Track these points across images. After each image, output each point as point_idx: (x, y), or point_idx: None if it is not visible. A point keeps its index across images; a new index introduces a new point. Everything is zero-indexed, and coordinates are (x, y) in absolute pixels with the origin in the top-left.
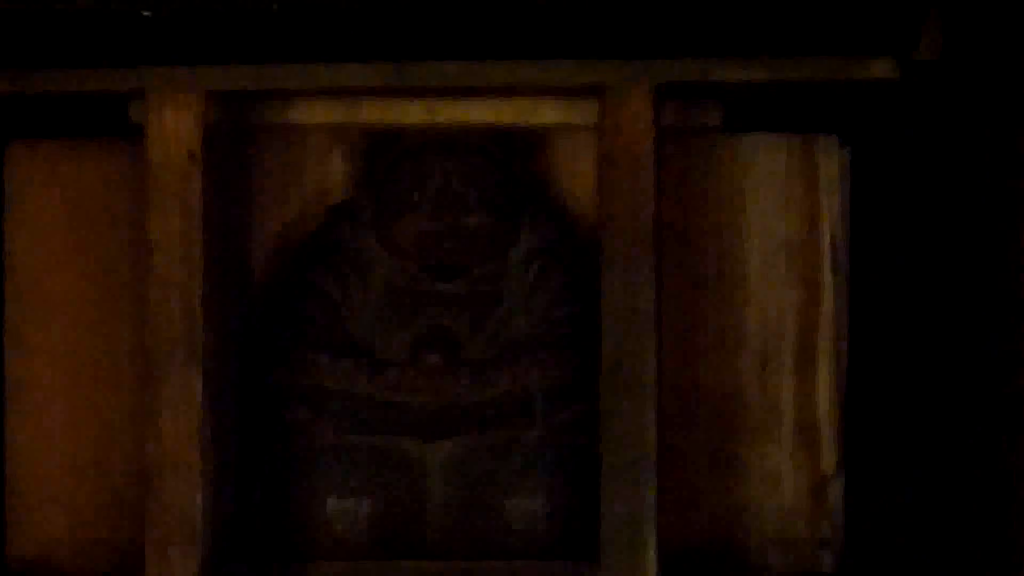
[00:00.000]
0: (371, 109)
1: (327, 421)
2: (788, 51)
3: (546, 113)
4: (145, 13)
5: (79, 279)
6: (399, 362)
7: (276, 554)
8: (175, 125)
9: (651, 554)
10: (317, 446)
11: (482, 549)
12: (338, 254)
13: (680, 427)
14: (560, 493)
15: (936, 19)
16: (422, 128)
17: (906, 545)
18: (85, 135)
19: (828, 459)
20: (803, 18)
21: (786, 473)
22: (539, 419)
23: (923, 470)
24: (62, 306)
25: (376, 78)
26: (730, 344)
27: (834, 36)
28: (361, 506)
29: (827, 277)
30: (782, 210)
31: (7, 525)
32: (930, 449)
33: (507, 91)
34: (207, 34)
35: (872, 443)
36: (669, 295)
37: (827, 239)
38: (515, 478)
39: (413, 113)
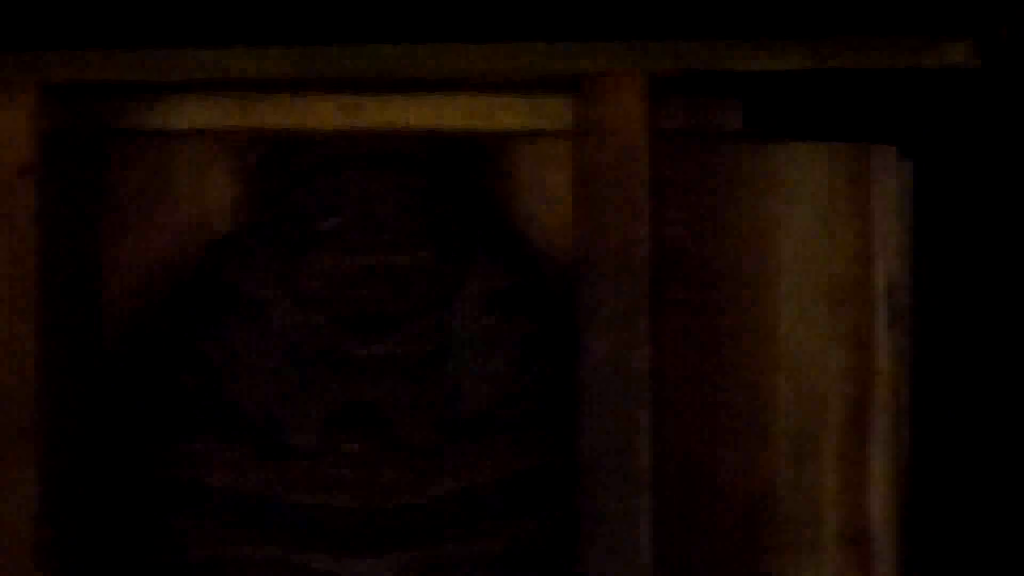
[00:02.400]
0: (267, 109)
1: (210, 529)
2: (830, 31)
3: (505, 114)
4: None
5: None
6: (307, 450)
7: None
8: (1, 130)
9: None
10: (197, 562)
11: None
12: (223, 304)
13: (690, 538)
14: None
15: None
16: (337, 134)
17: None
18: None
19: None
20: None
21: None
22: (497, 527)
23: None
24: None
25: (275, 67)
26: (756, 424)
27: (892, 11)
28: None
29: (882, 331)
30: (824, 242)
31: None
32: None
33: (453, 85)
34: (43, 8)
35: (945, 559)
36: (673, 356)
37: (882, 280)
38: None
39: (325, 114)
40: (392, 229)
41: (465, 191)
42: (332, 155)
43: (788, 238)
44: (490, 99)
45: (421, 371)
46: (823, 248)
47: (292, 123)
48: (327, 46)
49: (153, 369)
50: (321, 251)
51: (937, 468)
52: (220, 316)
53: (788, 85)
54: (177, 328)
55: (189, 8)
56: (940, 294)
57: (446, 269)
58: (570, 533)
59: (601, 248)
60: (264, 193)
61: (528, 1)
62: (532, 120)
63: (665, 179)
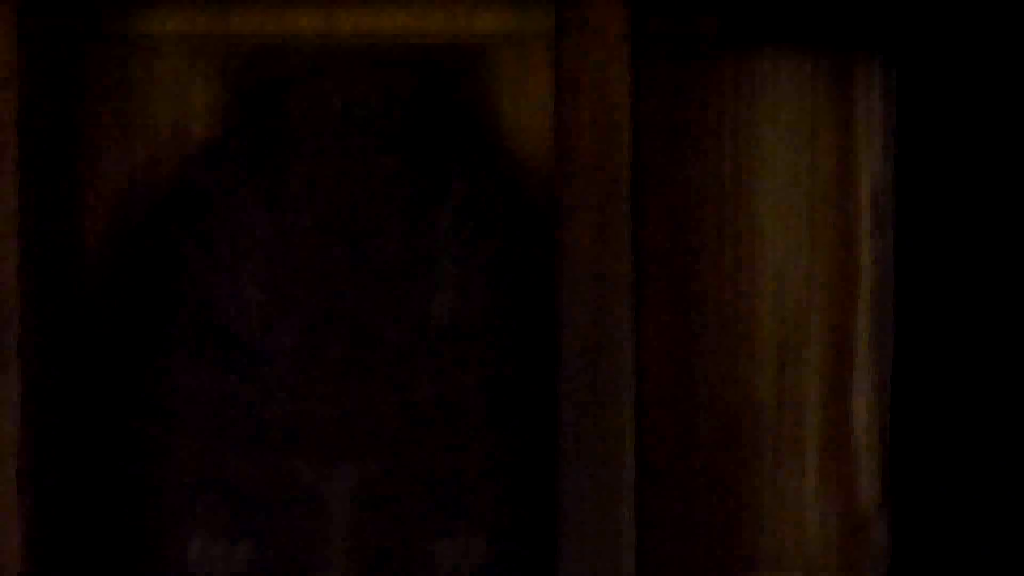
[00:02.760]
0: (246, 15)
1: (188, 436)
2: None
3: (485, 19)
4: None
5: None
6: (287, 356)
7: None
8: None
9: None
10: (176, 470)
11: None
12: (201, 212)
13: (669, 448)
14: (505, 533)
15: None
16: (317, 40)
17: None
18: None
19: (868, 490)
20: None
21: (813, 509)
22: (476, 432)
23: (992, 503)
24: None
25: None
26: (737, 334)
27: None
28: (236, 551)
29: (866, 237)
30: (806, 151)
31: None
32: (1003, 474)
33: None
34: None
35: (929, 465)
36: (652, 264)
37: (866, 190)
38: (446, 513)
39: (305, 20)
40: (372, 136)
41: (445, 97)
42: (311, 61)
43: (771, 144)
44: (469, 3)
45: (400, 279)
46: (807, 154)
47: (272, 29)
48: None
49: (135, 279)
50: (301, 159)
51: (921, 374)
52: (201, 223)
53: None
54: (158, 237)
55: None
56: (924, 199)
57: (426, 175)
58: (549, 440)
59: (581, 152)
60: (244, 99)
61: None
62: (513, 24)
63: (645, 85)
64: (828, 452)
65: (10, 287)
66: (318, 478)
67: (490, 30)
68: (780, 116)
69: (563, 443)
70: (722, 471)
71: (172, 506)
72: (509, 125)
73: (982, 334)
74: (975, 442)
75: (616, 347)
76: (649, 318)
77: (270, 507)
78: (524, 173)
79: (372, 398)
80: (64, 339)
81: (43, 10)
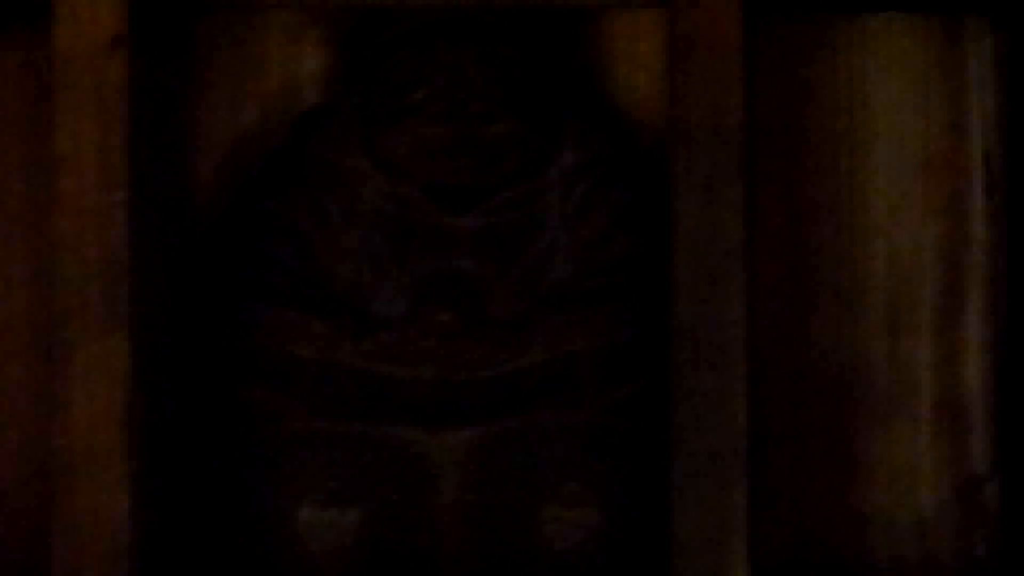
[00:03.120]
0: None
1: (298, 402)
2: None
3: None
4: None
5: None
6: (397, 321)
7: None
8: (91, 2)
9: None
10: (285, 436)
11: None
12: (313, 175)
13: (781, 409)
14: (616, 498)
15: None
16: (426, 4)
17: None
18: None
19: (980, 452)
20: None
21: (924, 470)
22: (587, 397)
23: None
24: None
25: None
26: (851, 294)
27: None
28: (346, 517)
29: (978, 203)
30: (918, 114)
31: None
32: None
33: None
34: None
35: None
36: (765, 228)
37: (978, 152)
38: (556, 478)
39: None
40: (482, 99)
41: (556, 61)
42: (421, 25)
43: (882, 109)
44: None
45: (511, 241)
46: (918, 119)
47: None
48: None
49: (244, 240)
50: (411, 122)
51: None
52: (311, 187)
53: None
54: (268, 199)
55: None
56: None
57: (537, 139)
58: (662, 405)
59: (694, 116)
60: (354, 64)
61: None
62: None
63: (758, 49)
64: (940, 415)
65: (122, 244)
66: (428, 444)
67: None
68: (892, 76)
69: (675, 405)
70: (835, 433)
71: (281, 472)
72: (620, 85)
73: None
74: None
75: (728, 310)
76: (764, 281)
77: (379, 473)
78: (637, 131)
79: (482, 363)
80: (173, 299)
81: None
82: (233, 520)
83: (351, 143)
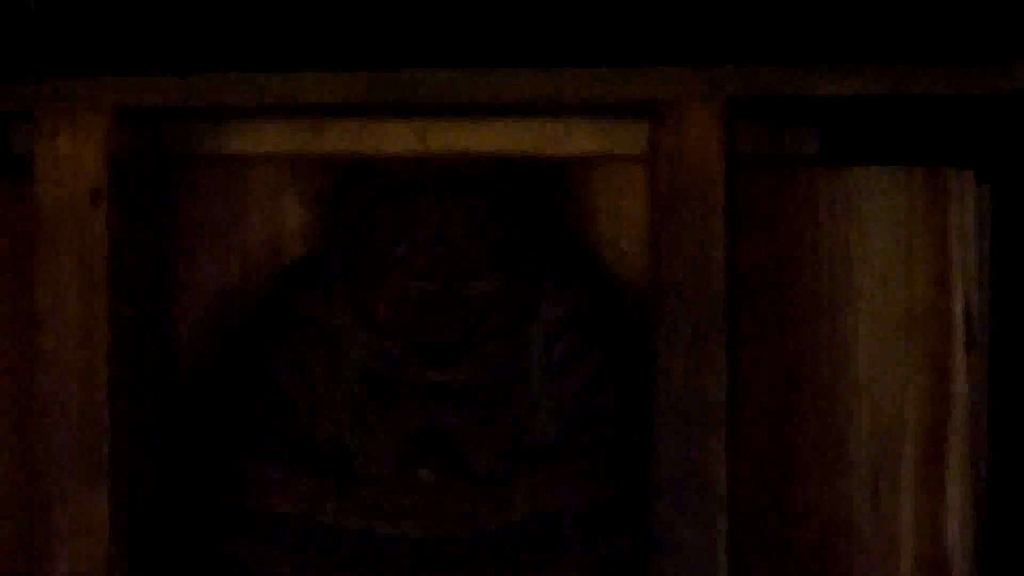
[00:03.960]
0: (339, 134)
1: (282, 559)
2: (907, 56)
3: (578, 139)
4: (31, 4)
5: None
6: (380, 478)
7: None
8: (73, 154)
9: None
10: None
11: None
12: (296, 331)
13: (766, 563)
14: None
15: None
16: (409, 159)
17: None
18: None
19: None
20: (925, 12)
21: None
22: (571, 555)
23: None
24: None
25: (346, 91)
26: (833, 450)
27: (966, 36)
28: None
29: (960, 358)
30: (901, 267)
31: None
32: None
33: (526, 109)
34: (115, 34)
35: None
36: (750, 383)
37: (960, 306)
38: None
39: (396, 138)
40: (464, 255)
41: (537, 216)
42: (404, 180)
43: (865, 263)
44: (563, 123)
45: (495, 397)
46: (901, 273)
47: (364, 148)
48: (396, 71)
49: (226, 395)
50: (394, 277)
51: (1015, 493)
52: (293, 342)
53: (862, 111)
54: (250, 354)
55: (257, 35)
56: (1018, 320)
57: (519, 295)
58: (644, 560)
59: (676, 273)
60: (337, 218)
61: (600, 26)
62: (605, 145)
63: (741, 204)
64: (922, 571)
65: (101, 402)
66: None
67: (581, 151)
68: (876, 228)
69: (657, 561)
70: None
71: None
72: (602, 240)
73: None
74: None
75: (711, 466)
76: (746, 437)
77: None
78: (618, 286)
79: (466, 520)
80: (156, 453)
81: (135, 127)
82: None
83: (335, 299)
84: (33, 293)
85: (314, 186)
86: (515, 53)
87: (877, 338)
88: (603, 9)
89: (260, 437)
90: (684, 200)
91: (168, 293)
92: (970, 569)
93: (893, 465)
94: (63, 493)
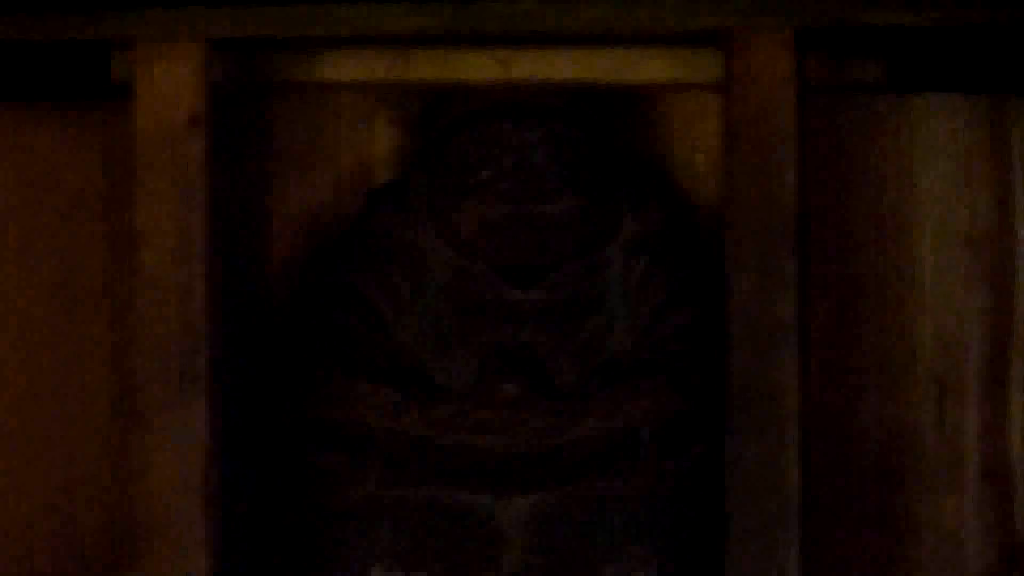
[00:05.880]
0: (425, 62)
1: (368, 469)
2: None
3: (654, 67)
4: None
5: (42, 283)
6: (463, 392)
7: None
8: (171, 83)
9: None
10: (355, 501)
11: None
12: (383, 250)
13: (833, 474)
14: (675, 562)
15: None
16: (492, 86)
17: None
18: (52, 98)
19: None
20: None
21: (971, 534)
22: (646, 465)
23: None
24: (18, 316)
25: (431, 22)
26: (898, 366)
27: None
28: None
29: (1020, 277)
30: (964, 191)
31: None
32: None
33: (603, 39)
34: None
35: None
36: (817, 301)
37: (1021, 228)
38: (616, 542)
39: (480, 67)
40: (545, 178)
41: (615, 141)
42: (487, 107)
43: (929, 185)
44: (639, 52)
45: (574, 315)
46: (962, 195)
47: (448, 76)
48: (479, 1)
49: (316, 312)
50: (477, 200)
51: None
52: (381, 261)
53: (926, 41)
54: (340, 272)
55: None
56: None
57: (598, 216)
58: (717, 472)
59: (749, 194)
60: (423, 143)
61: None
62: (680, 72)
63: (810, 130)
64: (985, 482)
65: (200, 314)
66: (493, 509)
67: (656, 78)
68: (938, 154)
69: (730, 472)
70: (884, 499)
71: (352, 537)
72: (678, 164)
73: None
74: None
75: (781, 380)
76: (814, 353)
77: (446, 537)
78: (693, 208)
79: (545, 432)
80: (249, 368)
81: (230, 56)
82: None
83: (420, 220)
84: (132, 213)
85: (402, 112)
86: None
87: (941, 258)
88: None
89: (348, 352)
90: (756, 126)
91: (262, 215)
92: None
93: (957, 379)
94: (162, 403)
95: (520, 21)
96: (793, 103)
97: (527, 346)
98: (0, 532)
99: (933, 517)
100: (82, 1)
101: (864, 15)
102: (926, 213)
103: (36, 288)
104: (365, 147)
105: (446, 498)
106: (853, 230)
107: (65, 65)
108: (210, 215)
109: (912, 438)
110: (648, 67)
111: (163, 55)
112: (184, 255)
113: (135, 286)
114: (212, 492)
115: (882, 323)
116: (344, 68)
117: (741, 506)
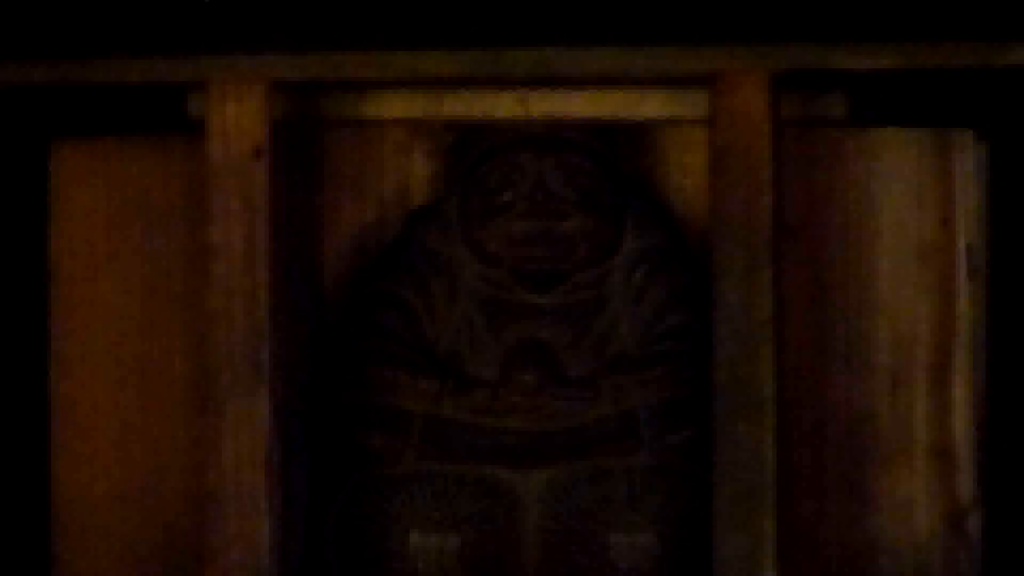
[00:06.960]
0: (456, 101)
1: (408, 447)
2: (920, 35)
3: (652, 105)
4: None
5: (132, 289)
6: (489, 381)
7: None
8: (238, 119)
9: None
10: (397, 475)
11: None
12: (421, 261)
13: (803, 451)
14: (670, 526)
15: None
16: (514, 122)
17: None
18: (138, 131)
19: (965, 487)
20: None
21: (920, 502)
22: (646, 443)
23: None
24: (112, 318)
25: (462, 67)
26: (858, 359)
27: (971, 18)
28: (447, 542)
29: (963, 283)
30: (914, 210)
31: (52, 559)
32: None
33: (609, 81)
34: (273, 18)
35: (1016, 469)
36: (790, 304)
37: (962, 241)
38: (620, 510)
39: (504, 105)
40: (559, 200)
41: (619, 169)
42: (509, 140)
43: (885, 206)
44: (640, 92)
45: (583, 316)
46: (914, 214)
47: (476, 113)
48: (503, 49)
49: (363, 315)
50: (501, 219)
51: (1009, 394)
52: (419, 269)
53: (884, 81)
54: (383, 280)
55: (392, 18)
56: (1011, 252)
57: (604, 232)
58: (707, 449)
59: (732, 214)
60: (455, 171)
61: (669, 12)
62: (675, 110)
63: (783, 158)
64: (932, 458)
65: (264, 316)
66: (515, 482)
67: (654, 115)
68: (893, 178)
69: (717, 449)
70: (848, 472)
71: (394, 505)
72: (672, 188)
73: None
74: None
75: (761, 371)
76: (789, 349)
77: (475, 505)
78: (685, 226)
79: (560, 415)
80: (306, 362)
81: (289, 96)
82: (354, 544)
83: (452, 235)
84: (207, 230)
85: (436, 144)
86: (599, 33)
87: (895, 268)
88: (672, 1)
89: (391, 347)
90: (738, 155)
91: (317, 232)
92: (971, 456)
93: (908, 371)
94: (232, 392)
95: (539, 66)
96: (769, 135)
97: (544, 342)
98: (97, 504)
99: (889, 487)
100: (164, 49)
101: (831, 60)
102: (883, 230)
103: (129, 293)
104: (405, 174)
105: (474, 472)
106: (821, 244)
107: (147, 103)
108: (272, 232)
109: (871, 421)
110: (647, 105)
111: (232, 95)
112: (250, 266)
113: (209, 292)
114: (274, 467)
115: (846, 323)
116: (388, 106)
117: (725, 479)
